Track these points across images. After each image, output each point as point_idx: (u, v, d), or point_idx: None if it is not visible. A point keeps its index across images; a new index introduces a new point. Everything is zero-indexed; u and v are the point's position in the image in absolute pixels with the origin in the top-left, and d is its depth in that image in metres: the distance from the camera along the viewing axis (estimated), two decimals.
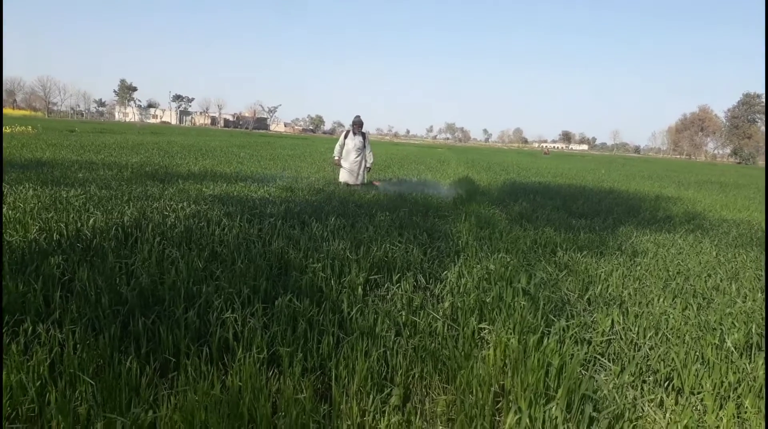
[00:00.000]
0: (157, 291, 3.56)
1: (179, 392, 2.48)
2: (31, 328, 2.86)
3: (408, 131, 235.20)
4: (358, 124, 10.71)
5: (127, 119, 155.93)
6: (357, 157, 10.68)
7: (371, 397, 2.60)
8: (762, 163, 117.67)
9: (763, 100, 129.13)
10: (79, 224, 5.03)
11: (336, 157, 10.92)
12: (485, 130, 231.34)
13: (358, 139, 10.69)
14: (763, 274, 5.44)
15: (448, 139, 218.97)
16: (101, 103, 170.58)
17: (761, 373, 3.00)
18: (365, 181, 11.03)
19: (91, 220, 5.20)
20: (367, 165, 10.93)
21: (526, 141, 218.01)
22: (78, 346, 2.71)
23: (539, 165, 30.16)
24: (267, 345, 2.93)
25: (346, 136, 10.82)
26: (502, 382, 2.80)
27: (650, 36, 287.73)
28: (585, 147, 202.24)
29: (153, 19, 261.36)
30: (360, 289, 3.92)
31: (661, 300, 4.27)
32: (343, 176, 10.83)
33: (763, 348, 3.43)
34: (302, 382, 2.60)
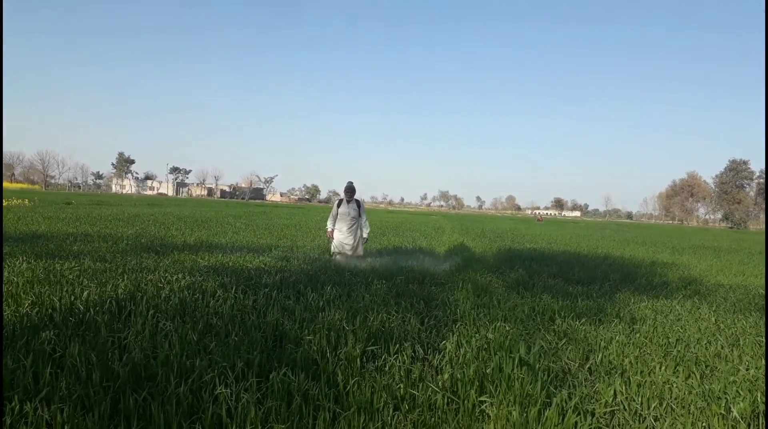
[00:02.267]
0: (149, 366, 3.48)
1: None
2: (18, 407, 2.77)
3: (402, 199, 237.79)
4: (350, 191, 10.02)
5: (124, 191, 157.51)
6: (351, 226, 9.97)
7: None
8: (753, 227, 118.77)
9: (750, 166, 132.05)
10: (72, 298, 4.97)
11: (329, 229, 10.16)
12: (478, 197, 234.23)
13: (352, 207, 9.99)
14: (764, 340, 5.38)
15: (442, 206, 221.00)
16: (99, 176, 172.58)
17: None
18: (361, 252, 10.21)
19: (84, 294, 5.15)
20: (364, 235, 10.18)
21: (519, 208, 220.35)
22: (66, 425, 2.63)
23: (533, 231, 30.32)
24: (261, 421, 2.85)
25: (338, 205, 10.10)
26: None
27: (638, 103, 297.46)
28: (577, 213, 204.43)
29: (153, 92, 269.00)
30: (357, 361, 3.85)
31: (663, 368, 4.20)
32: (337, 248, 10.03)
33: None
34: None
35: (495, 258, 12.40)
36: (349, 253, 9.91)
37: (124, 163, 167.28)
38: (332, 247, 10.14)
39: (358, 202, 10.11)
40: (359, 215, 10.05)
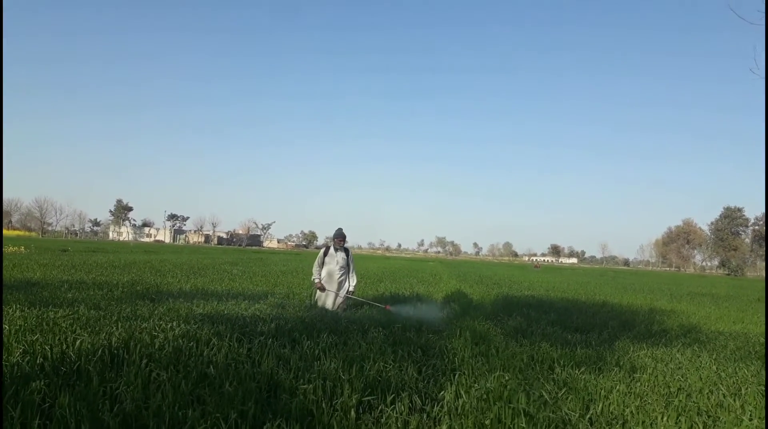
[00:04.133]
0: (141, 416, 3.41)
1: None
2: None
3: (399, 245, 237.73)
4: (340, 238, 9.31)
5: (121, 238, 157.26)
6: (341, 276, 9.27)
7: None
8: (750, 274, 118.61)
9: (744, 213, 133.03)
10: (64, 346, 4.90)
11: (316, 280, 9.36)
12: (475, 244, 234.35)
13: (341, 255, 9.28)
14: (765, 389, 5.31)
15: (439, 252, 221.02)
16: (96, 223, 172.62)
17: None
18: (345, 307, 9.33)
19: (77, 342, 5.08)
20: (350, 288, 9.38)
21: (516, 254, 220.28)
22: None
23: (531, 278, 30.22)
24: None
25: (326, 253, 9.37)
26: None
27: (633, 150, 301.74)
28: (574, 260, 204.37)
29: (151, 140, 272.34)
30: (353, 412, 3.77)
31: (666, 419, 4.12)
32: (324, 299, 9.29)
33: None
34: None
35: (493, 305, 12.32)
36: (334, 306, 9.18)
37: (122, 211, 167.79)
38: (319, 299, 9.41)
39: (347, 250, 9.45)
40: (347, 265, 9.37)
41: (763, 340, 9.11)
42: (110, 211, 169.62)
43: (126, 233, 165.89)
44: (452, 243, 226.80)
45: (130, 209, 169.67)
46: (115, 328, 5.99)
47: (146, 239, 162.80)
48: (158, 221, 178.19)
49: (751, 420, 4.18)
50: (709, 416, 4.34)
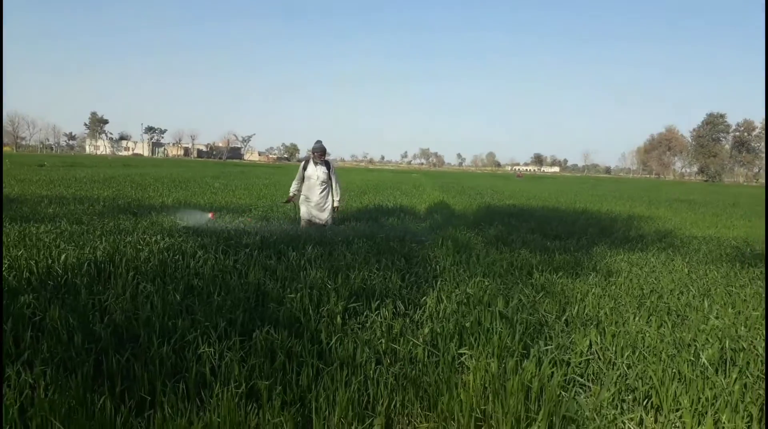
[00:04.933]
0: (131, 327, 3.49)
1: None
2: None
3: (383, 157, 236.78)
4: (319, 152, 8.76)
5: (99, 152, 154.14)
6: (322, 191, 8.74)
7: (353, 427, 2.57)
8: (728, 180, 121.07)
9: (727, 119, 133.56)
10: (49, 261, 4.92)
11: (292, 193, 8.93)
12: (459, 155, 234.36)
13: (321, 169, 8.73)
14: (734, 289, 5.56)
15: (422, 164, 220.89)
16: (71, 137, 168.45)
17: (736, 388, 3.05)
18: (333, 222, 8.96)
19: (62, 257, 5.10)
20: (335, 203, 8.94)
21: (499, 164, 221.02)
22: (49, 387, 2.64)
23: (513, 188, 30.55)
24: (245, 379, 2.89)
25: (305, 167, 8.82)
26: (483, 408, 2.79)
27: (616, 58, 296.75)
28: (557, 169, 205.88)
29: (125, 50, 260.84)
30: (339, 318, 3.90)
31: (637, 318, 4.33)
32: (306, 214, 8.81)
33: (737, 363, 3.49)
34: (282, 416, 2.56)
35: (475, 215, 12.51)
36: (321, 220, 8.77)
37: (97, 124, 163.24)
38: (302, 215, 8.90)
39: (328, 163, 8.87)
40: (329, 179, 8.81)
41: (734, 243, 9.44)
42: (85, 125, 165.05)
43: (103, 147, 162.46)
44: (436, 154, 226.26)
45: (106, 122, 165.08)
46: (99, 242, 6.00)
47: (124, 153, 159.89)
48: (135, 134, 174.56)
49: (717, 318, 4.41)
50: (678, 315, 4.56)
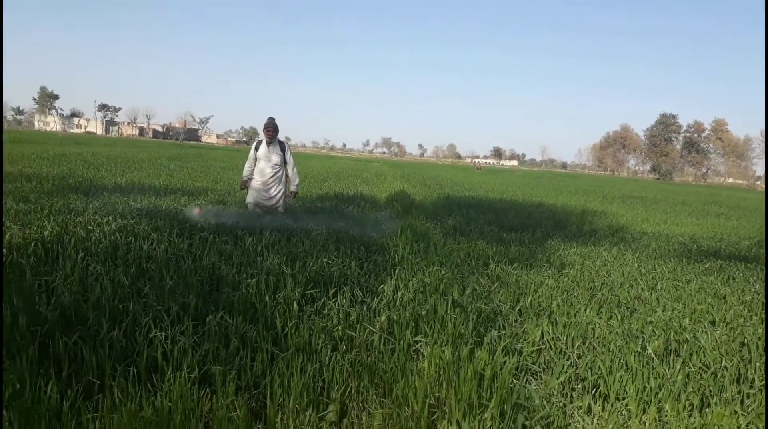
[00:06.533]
0: (80, 310, 3.39)
1: (105, 415, 2.36)
2: None
3: (345, 145, 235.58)
4: (270, 129, 7.90)
5: (48, 129, 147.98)
6: (274, 175, 7.96)
7: (307, 413, 2.57)
8: (678, 179, 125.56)
9: (678, 120, 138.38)
10: None
11: (245, 177, 8.14)
12: (420, 145, 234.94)
13: (274, 150, 7.95)
14: (680, 284, 5.78)
15: (384, 153, 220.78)
16: (19, 112, 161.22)
17: (679, 378, 3.18)
18: (288, 206, 8.35)
19: (6, 235, 4.89)
20: (292, 188, 8.20)
21: (459, 156, 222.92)
22: None
23: (472, 180, 30.90)
24: (198, 364, 2.84)
25: (257, 148, 8.01)
26: (437, 394, 2.83)
27: (576, 56, 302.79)
28: (515, 163, 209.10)
29: (78, 22, 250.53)
30: (295, 305, 3.87)
31: (588, 310, 4.45)
32: (253, 197, 8.06)
33: (681, 354, 3.64)
34: (236, 401, 2.53)
35: (434, 205, 12.61)
36: (269, 206, 8.05)
37: (47, 98, 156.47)
38: (247, 198, 8.20)
39: (282, 144, 8.08)
40: (284, 162, 8.05)
41: (682, 239, 9.81)
42: (34, 99, 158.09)
43: (53, 124, 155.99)
44: (398, 144, 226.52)
45: (56, 97, 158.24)
46: (47, 221, 5.78)
47: (76, 131, 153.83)
48: (88, 112, 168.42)
49: (664, 311, 4.58)
50: (627, 308, 4.72)
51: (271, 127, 7.91)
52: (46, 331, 3.08)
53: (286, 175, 8.14)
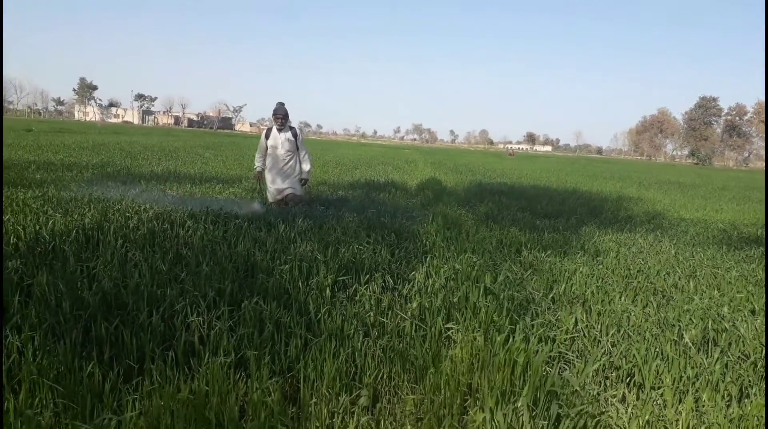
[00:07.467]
0: (120, 295, 3.49)
1: (144, 397, 2.44)
2: None
3: (375, 132, 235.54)
4: (280, 116, 7.58)
5: (88, 119, 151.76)
6: (286, 164, 7.69)
7: (340, 398, 2.60)
8: (718, 164, 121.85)
9: (719, 103, 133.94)
10: (37, 227, 4.88)
11: (258, 168, 7.90)
12: (452, 131, 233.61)
13: (286, 136, 7.65)
14: (719, 271, 5.63)
15: (415, 139, 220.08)
16: (60, 102, 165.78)
17: (717, 367, 3.11)
18: (302, 197, 7.97)
19: (50, 223, 5.06)
20: (304, 175, 7.85)
21: (491, 142, 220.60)
22: (37, 352, 2.64)
23: (504, 166, 30.56)
24: (234, 348, 2.90)
25: (267, 136, 7.74)
26: (469, 381, 2.83)
27: (613, 40, 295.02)
28: (549, 148, 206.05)
29: (116, 15, 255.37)
30: (328, 291, 3.91)
31: (623, 298, 4.38)
32: (273, 189, 7.82)
33: (719, 344, 3.56)
34: (270, 385, 2.58)
35: (466, 192, 12.52)
36: (290, 199, 7.75)
37: (86, 89, 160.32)
38: (268, 195, 7.98)
39: (293, 130, 7.74)
40: (296, 149, 7.75)
41: (721, 225, 9.54)
42: (74, 90, 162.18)
43: (92, 113, 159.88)
44: (429, 130, 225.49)
45: (95, 88, 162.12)
46: (87, 209, 5.96)
47: (114, 120, 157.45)
48: (125, 101, 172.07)
49: (701, 299, 4.47)
50: (663, 296, 4.63)
51: (281, 113, 7.60)
52: (89, 315, 3.19)
53: (299, 162, 7.86)
